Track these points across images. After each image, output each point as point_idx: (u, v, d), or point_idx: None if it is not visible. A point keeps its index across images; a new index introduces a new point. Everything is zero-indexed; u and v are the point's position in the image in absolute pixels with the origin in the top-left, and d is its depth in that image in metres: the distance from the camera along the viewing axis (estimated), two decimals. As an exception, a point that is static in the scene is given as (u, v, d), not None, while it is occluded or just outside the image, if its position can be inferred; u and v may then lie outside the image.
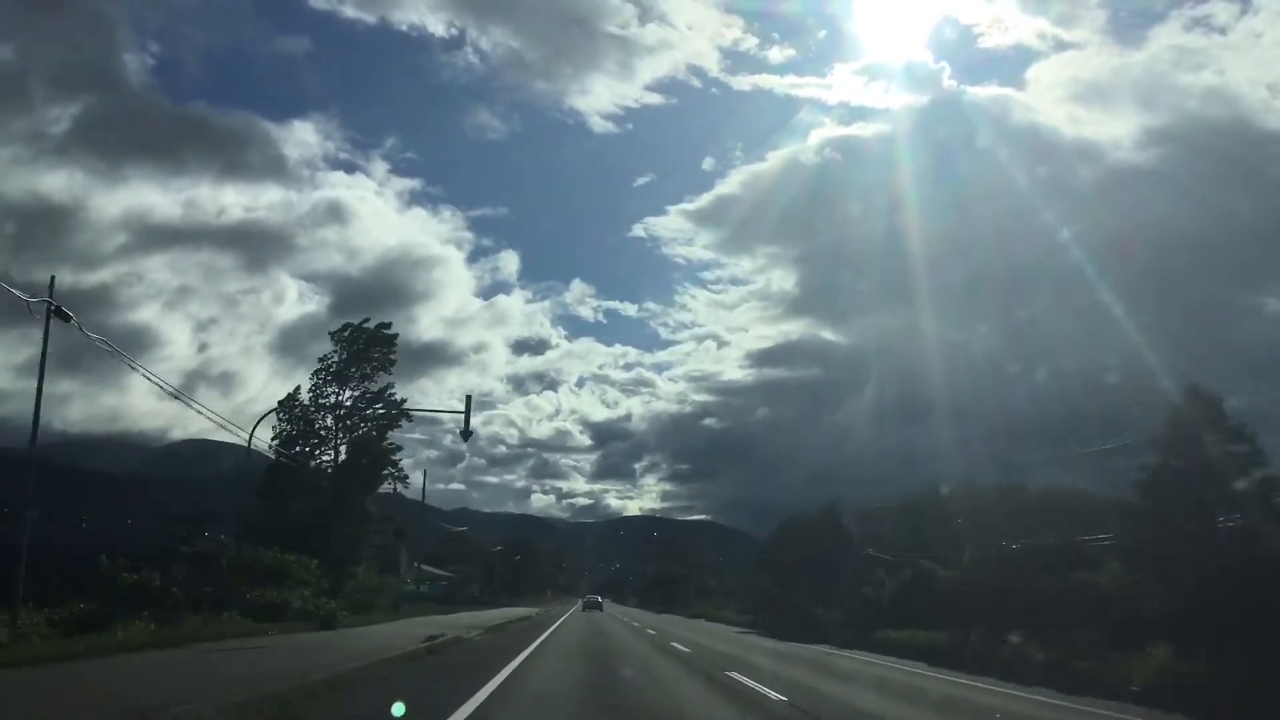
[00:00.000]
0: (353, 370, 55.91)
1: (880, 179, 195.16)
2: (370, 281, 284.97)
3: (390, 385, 56.29)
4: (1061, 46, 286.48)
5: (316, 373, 56.09)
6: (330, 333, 57.31)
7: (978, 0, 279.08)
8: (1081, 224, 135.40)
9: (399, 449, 57.05)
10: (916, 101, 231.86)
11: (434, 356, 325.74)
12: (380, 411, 56.12)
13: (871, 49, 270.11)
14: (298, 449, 53.73)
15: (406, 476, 58.30)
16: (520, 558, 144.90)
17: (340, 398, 55.79)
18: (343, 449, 55.45)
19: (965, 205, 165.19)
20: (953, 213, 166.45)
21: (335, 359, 56.00)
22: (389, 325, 57.12)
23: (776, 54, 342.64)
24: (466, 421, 40.52)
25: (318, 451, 55.25)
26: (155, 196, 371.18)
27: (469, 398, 42.51)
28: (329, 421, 55.50)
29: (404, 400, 56.63)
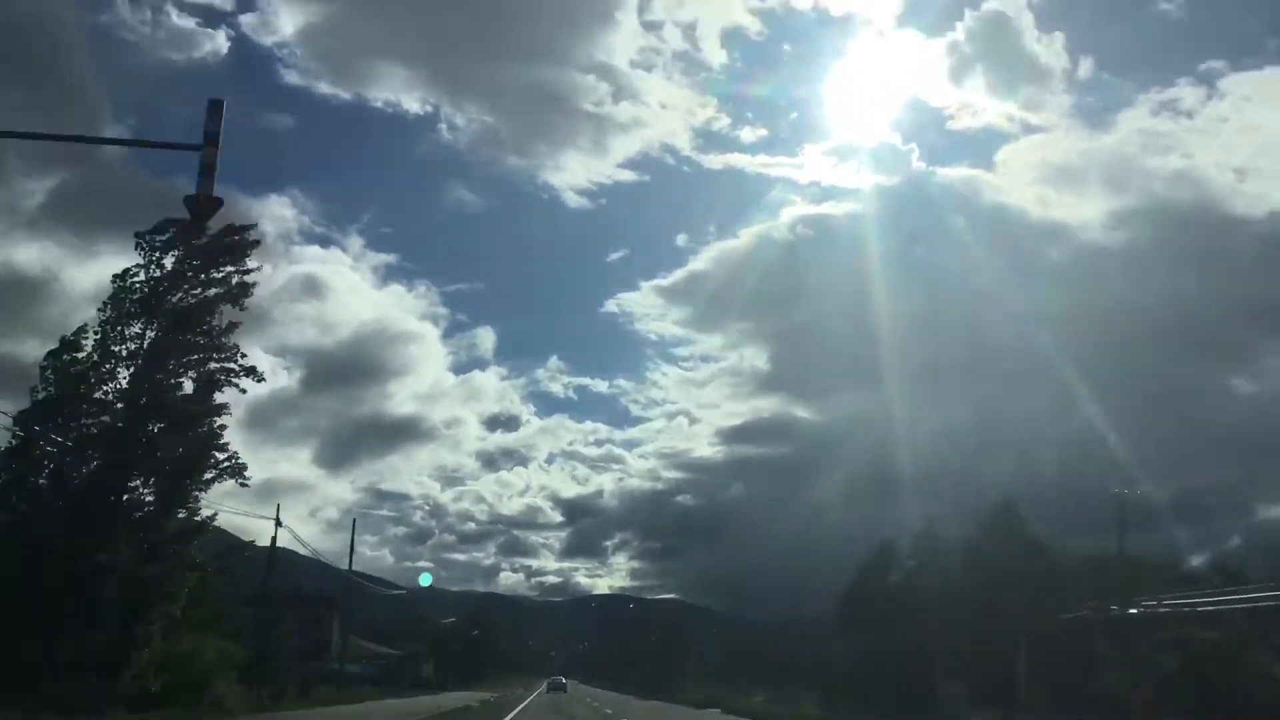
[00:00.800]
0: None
1: (851, 257, 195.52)
2: (344, 356, 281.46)
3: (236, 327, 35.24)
4: (1030, 130, 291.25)
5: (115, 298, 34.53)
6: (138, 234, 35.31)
7: (946, 84, 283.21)
8: (1050, 305, 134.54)
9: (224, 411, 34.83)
10: (887, 181, 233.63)
11: (406, 433, 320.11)
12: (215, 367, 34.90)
13: (841, 130, 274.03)
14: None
15: (245, 468, 35.19)
16: (479, 633, 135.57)
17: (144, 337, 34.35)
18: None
19: (935, 284, 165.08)
20: (923, 291, 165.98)
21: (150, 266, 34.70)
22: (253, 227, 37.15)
23: (748, 134, 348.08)
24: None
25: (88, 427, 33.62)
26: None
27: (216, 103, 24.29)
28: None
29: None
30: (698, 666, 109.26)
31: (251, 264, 36.45)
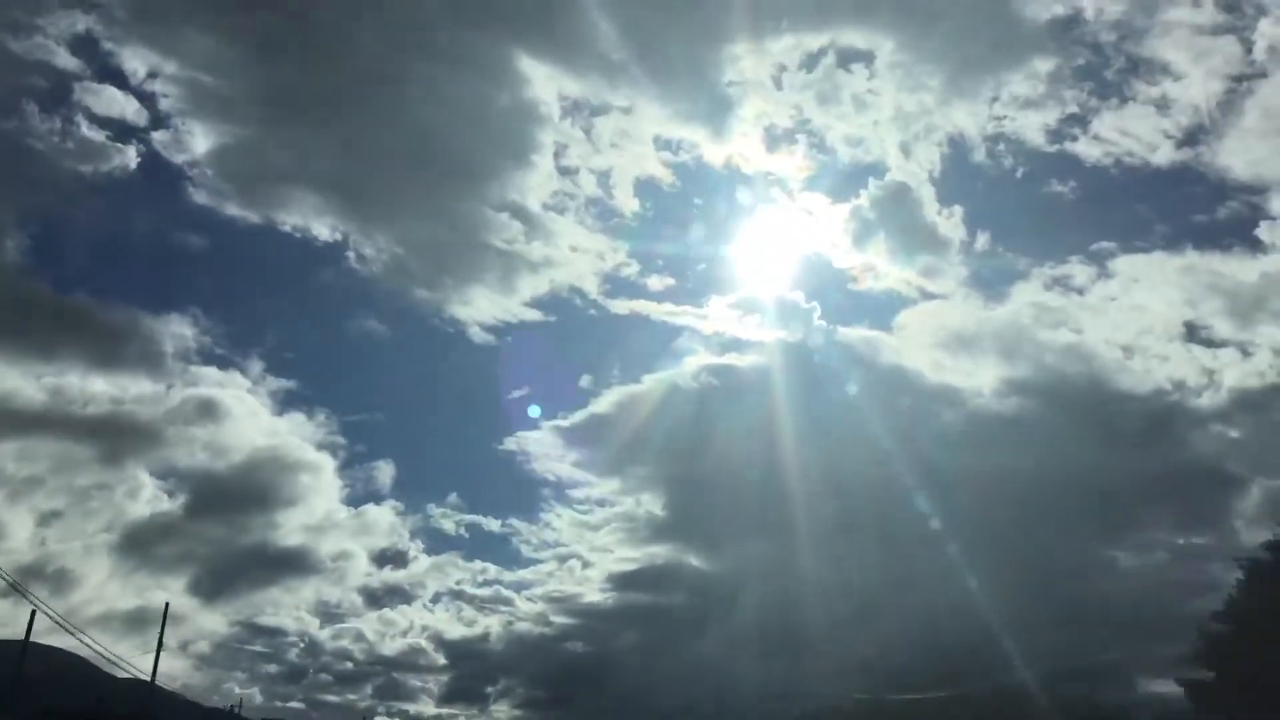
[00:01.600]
0: None
1: (751, 409, 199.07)
2: (234, 481, 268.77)
3: None
4: (928, 296, 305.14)
5: None
6: None
7: (849, 247, 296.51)
8: (943, 467, 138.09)
9: None
10: (789, 337, 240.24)
11: (291, 564, 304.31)
12: None
13: (747, 284, 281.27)
14: None
15: None
16: None
17: None
18: None
19: (833, 440, 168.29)
20: (821, 446, 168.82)
21: None
22: None
23: (656, 281, 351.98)
24: None
25: None
26: (15, 380, 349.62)
27: None
28: None
29: None
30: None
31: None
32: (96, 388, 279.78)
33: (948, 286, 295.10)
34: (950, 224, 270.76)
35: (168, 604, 50.52)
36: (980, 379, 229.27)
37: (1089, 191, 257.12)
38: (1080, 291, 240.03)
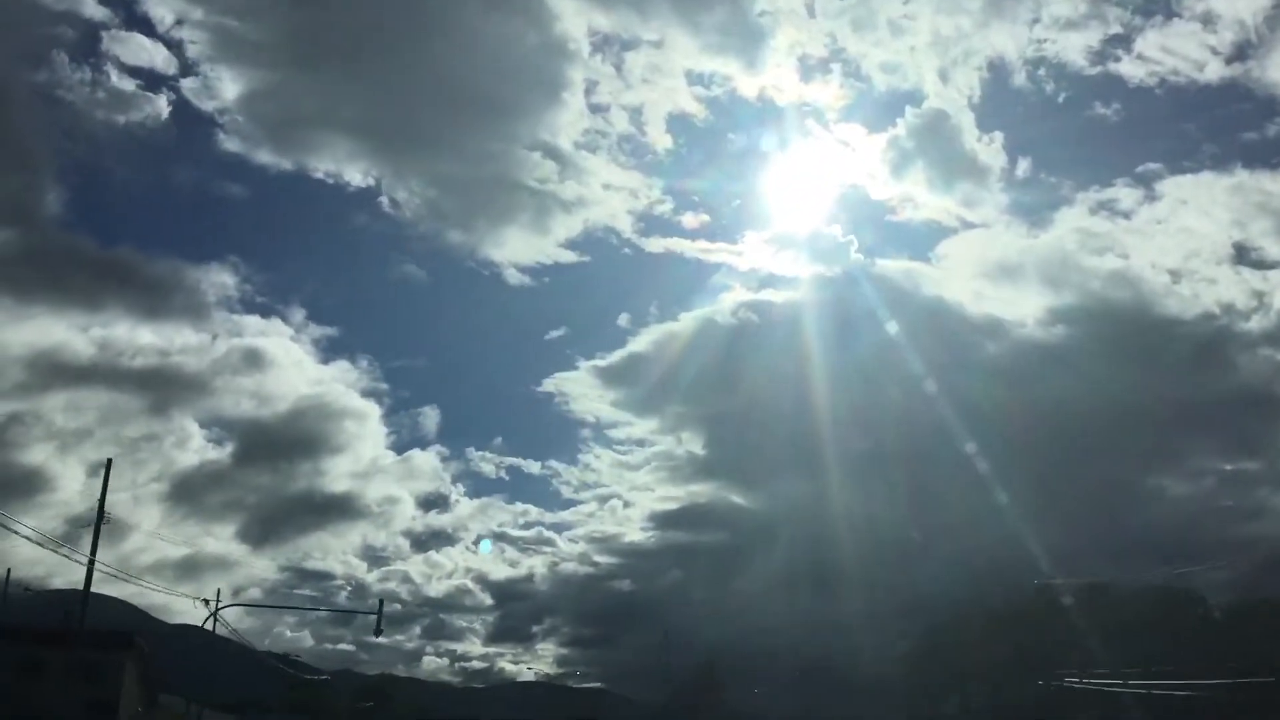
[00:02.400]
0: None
1: (789, 345, 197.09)
2: (281, 429, 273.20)
3: None
4: (969, 225, 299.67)
5: None
6: None
7: (887, 178, 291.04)
8: (986, 399, 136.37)
9: None
10: (827, 271, 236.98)
11: (338, 510, 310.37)
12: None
13: (782, 219, 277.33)
14: None
15: None
16: (373, 705, 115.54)
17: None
18: None
19: (873, 374, 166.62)
20: (861, 381, 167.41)
21: None
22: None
23: (690, 219, 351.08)
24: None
25: None
26: (63, 333, 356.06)
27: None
28: None
29: None
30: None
31: None
32: (143, 339, 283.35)
33: (989, 215, 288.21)
34: (991, 151, 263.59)
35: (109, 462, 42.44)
36: (1023, 309, 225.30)
37: (1134, 113, 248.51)
38: (1126, 215, 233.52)
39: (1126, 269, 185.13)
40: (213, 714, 68.44)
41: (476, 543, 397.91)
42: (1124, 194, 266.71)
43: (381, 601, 53.21)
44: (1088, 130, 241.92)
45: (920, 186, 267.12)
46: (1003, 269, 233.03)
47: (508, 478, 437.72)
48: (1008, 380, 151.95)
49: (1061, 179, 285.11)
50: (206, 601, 49.90)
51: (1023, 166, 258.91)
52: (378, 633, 48.77)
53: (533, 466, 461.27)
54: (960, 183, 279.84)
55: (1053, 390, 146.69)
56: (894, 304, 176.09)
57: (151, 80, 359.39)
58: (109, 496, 40.54)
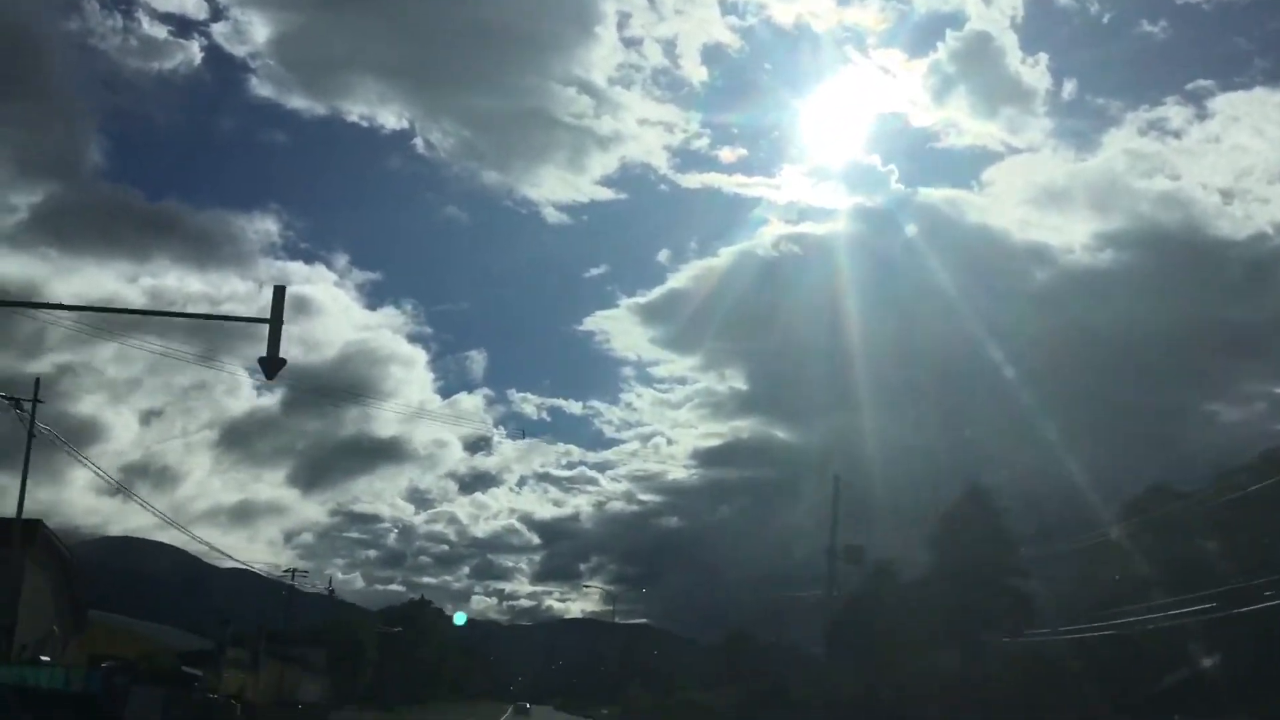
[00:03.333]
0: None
1: (830, 278, 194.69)
2: (329, 375, 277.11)
3: None
4: (1014, 150, 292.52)
5: None
6: None
7: (928, 105, 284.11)
8: (1034, 327, 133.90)
9: None
10: (868, 201, 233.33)
11: (386, 454, 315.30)
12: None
13: (820, 150, 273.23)
14: None
15: None
16: (401, 629, 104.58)
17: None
18: None
19: (917, 305, 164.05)
20: (904, 312, 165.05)
21: None
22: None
23: (727, 153, 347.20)
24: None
25: None
26: (113, 284, 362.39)
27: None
28: None
29: None
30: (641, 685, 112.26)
31: None
32: (192, 288, 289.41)
33: (1035, 139, 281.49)
34: (1035, 73, 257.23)
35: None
36: (1071, 234, 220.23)
37: (1183, 29, 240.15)
38: (1176, 135, 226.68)
39: (1177, 190, 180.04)
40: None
41: (520, 484, 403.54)
42: (1174, 113, 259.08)
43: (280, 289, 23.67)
44: (1135, 48, 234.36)
45: (963, 112, 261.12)
46: (1049, 194, 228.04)
47: (549, 418, 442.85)
48: (1056, 308, 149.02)
49: (1109, 100, 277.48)
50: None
51: (1069, 88, 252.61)
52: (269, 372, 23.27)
53: (574, 406, 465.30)
54: (1004, 107, 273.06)
55: (1102, 317, 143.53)
56: (937, 233, 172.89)
57: (182, 26, 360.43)
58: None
